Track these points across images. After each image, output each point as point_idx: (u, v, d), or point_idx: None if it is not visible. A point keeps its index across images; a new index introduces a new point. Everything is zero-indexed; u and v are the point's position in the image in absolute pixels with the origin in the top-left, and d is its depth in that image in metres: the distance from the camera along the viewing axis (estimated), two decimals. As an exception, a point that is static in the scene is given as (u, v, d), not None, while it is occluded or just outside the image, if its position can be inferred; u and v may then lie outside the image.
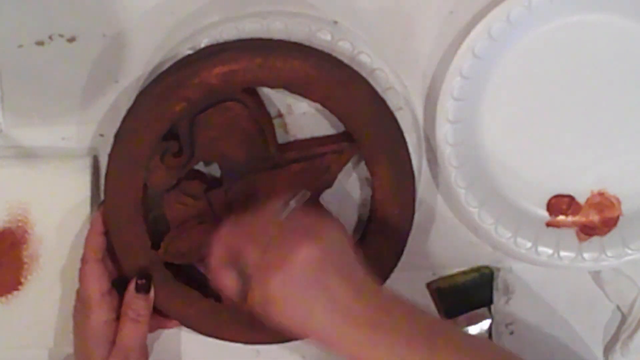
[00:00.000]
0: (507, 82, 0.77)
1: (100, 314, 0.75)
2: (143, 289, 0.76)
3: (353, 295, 0.65)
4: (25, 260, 0.81)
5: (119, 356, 0.75)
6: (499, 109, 0.78)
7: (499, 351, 0.70)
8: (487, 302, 0.82)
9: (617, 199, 0.80)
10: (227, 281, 0.68)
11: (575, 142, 0.79)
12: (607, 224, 0.80)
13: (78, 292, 0.77)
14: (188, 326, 0.80)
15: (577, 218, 0.80)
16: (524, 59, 0.76)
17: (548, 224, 0.80)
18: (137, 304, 0.76)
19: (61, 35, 0.78)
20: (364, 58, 0.76)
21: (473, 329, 0.81)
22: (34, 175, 0.80)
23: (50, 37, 0.78)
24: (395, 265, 0.78)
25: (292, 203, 0.69)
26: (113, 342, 0.76)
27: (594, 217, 0.80)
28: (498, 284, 0.83)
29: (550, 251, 0.79)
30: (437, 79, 0.77)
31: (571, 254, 0.80)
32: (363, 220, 0.80)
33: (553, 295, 0.83)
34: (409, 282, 0.79)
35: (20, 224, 0.81)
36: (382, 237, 0.77)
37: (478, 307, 0.82)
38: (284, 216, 0.68)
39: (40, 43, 0.78)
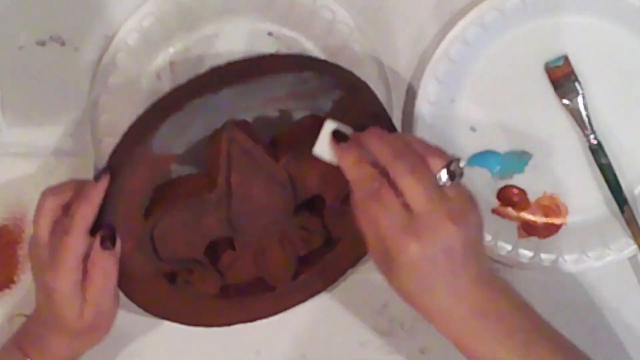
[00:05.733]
0: (481, 85, 0.79)
1: (73, 276, 0.72)
2: (108, 245, 0.73)
3: (472, 283, 0.67)
4: (20, 259, 0.82)
5: (92, 312, 0.74)
6: (473, 111, 0.80)
7: (585, 355, 0.72)
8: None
9: (566, 208, 0.81)
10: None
11: (543, 142, 0.80)
12: (549, 229, 0.81)
13: (44, 251, 0.73)
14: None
15: (522, 214, 0.82)
16: (497, 62, 0.78)
17: (493, 211, 0.81)
18: (104, 260, 0.73)
19: (61, 36, 0.79)
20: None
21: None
22: (33, 174, 0.80)
23: (50, 37, 0.79)
24: None
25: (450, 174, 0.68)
26: (84, 300, 0.73)
27: (539, 219, 0.82)
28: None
29: (488, 237, 0.80)
30: (415, 82, 0.80)
31: (507, 246, 0.81)
32: None
33: (553, 296, 0.83)
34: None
35: (17, 223, 0.82)
36: None
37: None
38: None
39: (40, 43, 0.79)
